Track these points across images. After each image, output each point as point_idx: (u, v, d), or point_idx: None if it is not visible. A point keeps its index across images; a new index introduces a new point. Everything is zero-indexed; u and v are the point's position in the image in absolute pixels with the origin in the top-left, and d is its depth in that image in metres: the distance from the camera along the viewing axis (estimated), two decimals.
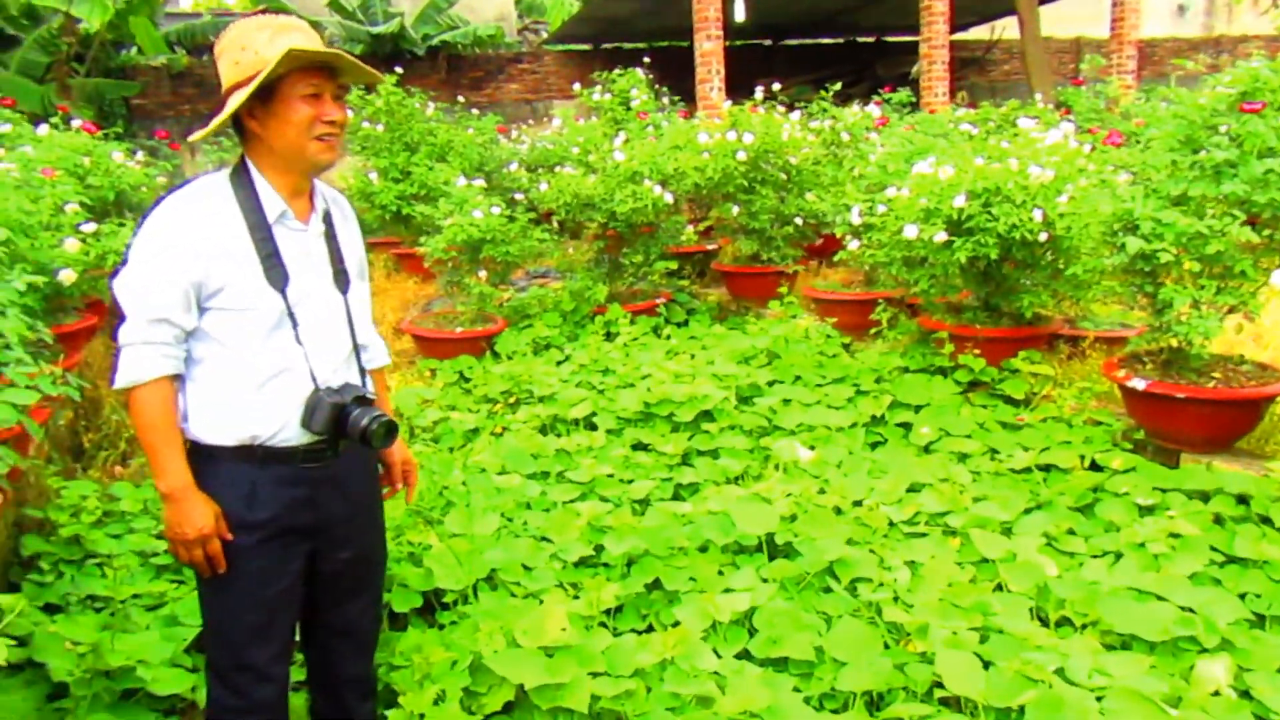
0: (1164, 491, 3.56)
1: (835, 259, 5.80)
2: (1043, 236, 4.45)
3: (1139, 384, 3.84)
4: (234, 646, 2.02)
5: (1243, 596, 2.94)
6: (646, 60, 10.38)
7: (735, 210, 7.02)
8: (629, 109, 8.82)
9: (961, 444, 4.23)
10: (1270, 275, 3.60)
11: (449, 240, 6.20)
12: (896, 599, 3.01)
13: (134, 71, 12.07)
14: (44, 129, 5.79)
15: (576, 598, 3.08)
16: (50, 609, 2.89)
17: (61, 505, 3.43)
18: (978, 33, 15.32)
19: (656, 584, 3.19)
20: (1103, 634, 2.81)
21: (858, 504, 3.72)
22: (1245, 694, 2.51)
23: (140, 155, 7.15)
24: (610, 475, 4.12)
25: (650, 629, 3.02)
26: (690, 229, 7.47)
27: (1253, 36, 16.89)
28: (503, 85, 13.83)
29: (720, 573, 3.26)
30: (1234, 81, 3.82)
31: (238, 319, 1.91)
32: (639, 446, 4.53)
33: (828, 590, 3.13)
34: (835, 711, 2.61)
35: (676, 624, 2.91)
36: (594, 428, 4.76)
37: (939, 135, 6.70)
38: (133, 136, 10.43)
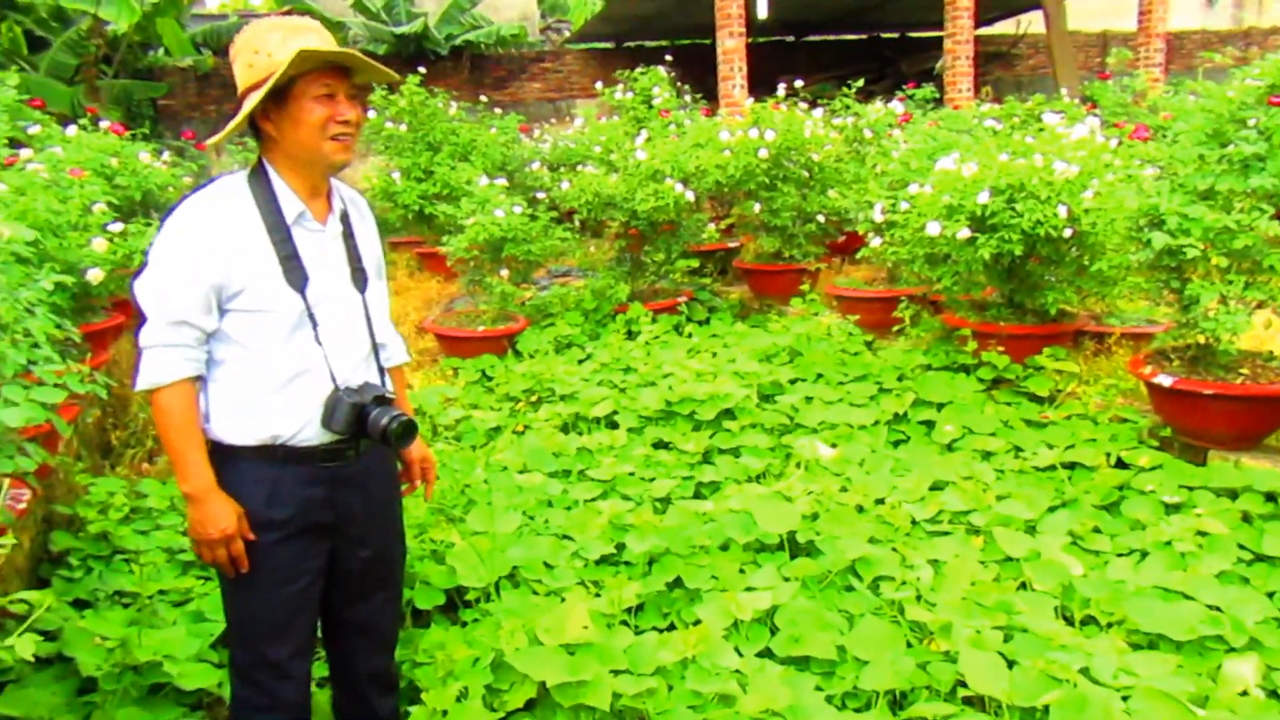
0: (1191, 489, 3.52)
1: (858, 256, 5.78)
2: (1067, 232, 4.41)
3: (1165, 380, 3.80)
4: (256, 644, 2.04)
5: (1271, 595, 2.91)
6: (669, 58, 10.37)
7: (757, 208, 7.00)
8: (651, 107, 8.82)
9: (985, 442, 4.20)
10: None
11: (471, 239, 6.23)
12: (919, 598, 3.00)
13: (161, 73, 12.19)
14: (72, 130, 5.86)
15: (598, 596, 3.09)
16: (79, 604, 2.93)
17: (90, 502, 3.48)
18: (1003, 27, 15.18)
19: (678, 582, 3.19)
20: (1128, 633, 2.79)
21: (880, 502, 3.70)
22: (1273, 694, 2.49)
23: (167, 156, 7.22)
24: (632, 473, 4.12)
25: (672, 627, 3.02)
26: (712, 227, 7.46)
27: None
28: (525, 84, 13.86)
29: (742, 571, 3.25)
30: (1263, 74, 3.77)
31: (258, 320, 1.92)
32: (660, 445, 4.53)
33: (850, 589, 3.12)
34: (858, 710, 2.60)
35: (698, 622, 2.90)
36: (615, 426, 4.76)
37: (963, 131, 6.66)
38: (159, 137, 10.54)
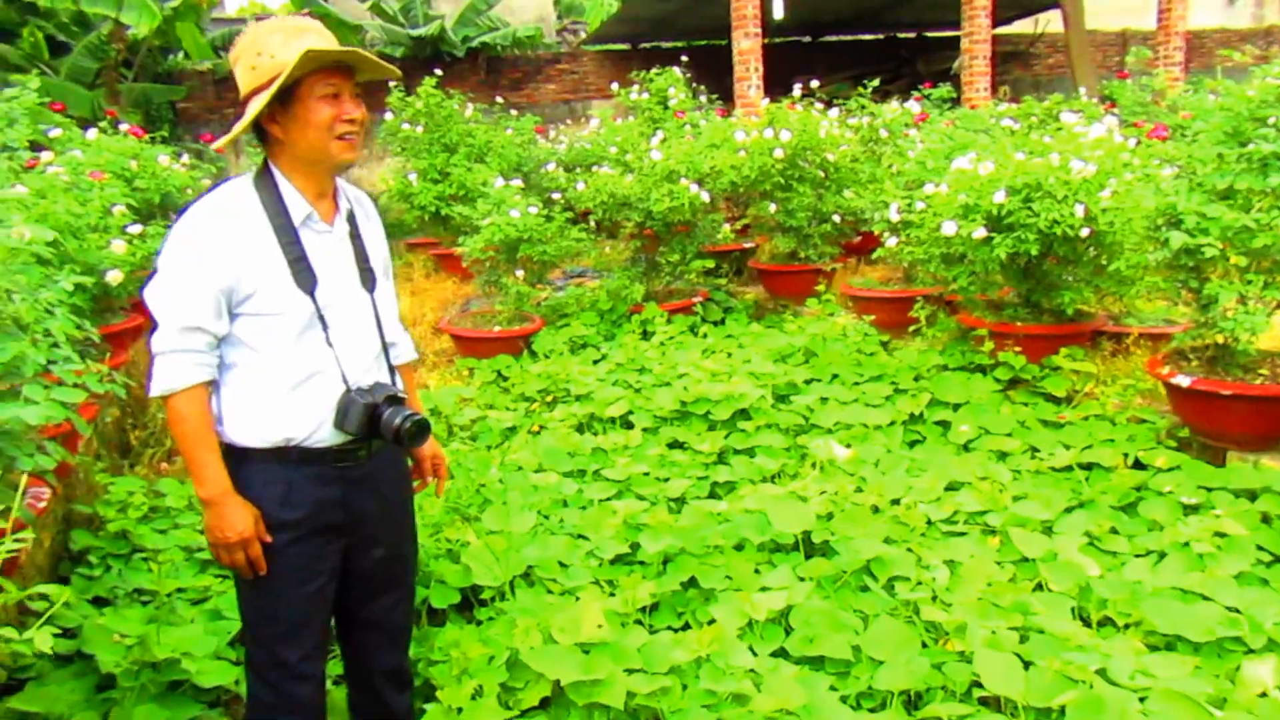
0: (1209, 490, 3.50)
1: (873, 256, 5.76)
2: (1084, 232, 4.39)
3: (1184, 381, 3.77)
4: (271, 644, 2.05)
5: None
6: (684, 59, 10.37)
7: (772, 208, 6.99)
8: (666, 108, 8.83)
9: (1001, 442, 4.18)
10: None
11: (487, 240, 6.25)
12: (935, 598, 2.98)
13: (180, 76, 12.28)
14: (93, 133, 5.91)
15: (613, 595, 3.09)
16: (99, 602, 2.97)
17: (109, 501, 3.51)
18: (1021, 26, 15.10)
19: (692, 582, 3.19)
20: (1146, 634, 2.77)
21: (895, 502, 3.69)
22: None
23: (186, 158, 7.28)
24: (646, 473, 4.12)
25: (686, 627, 3.02)
26: (727, 227, 7.45)
27: None
28: (541, 86, 13.88)
29: (756, 571, 3.25)
30: None
31: (269, 323, 1.93)
32: (675, 445, 4.53)
33: (865, 589, 3.11)
34: (872, 710, 2.59)
35: (712, 622, 2.90)
36: (630, 426, 4.77)
37: (980, 131, 6.63)
38: (178, 140, 10.62)
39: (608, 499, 3.93)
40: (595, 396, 5.13)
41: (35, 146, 5.02)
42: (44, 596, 1.91)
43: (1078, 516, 3.50)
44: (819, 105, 7.28)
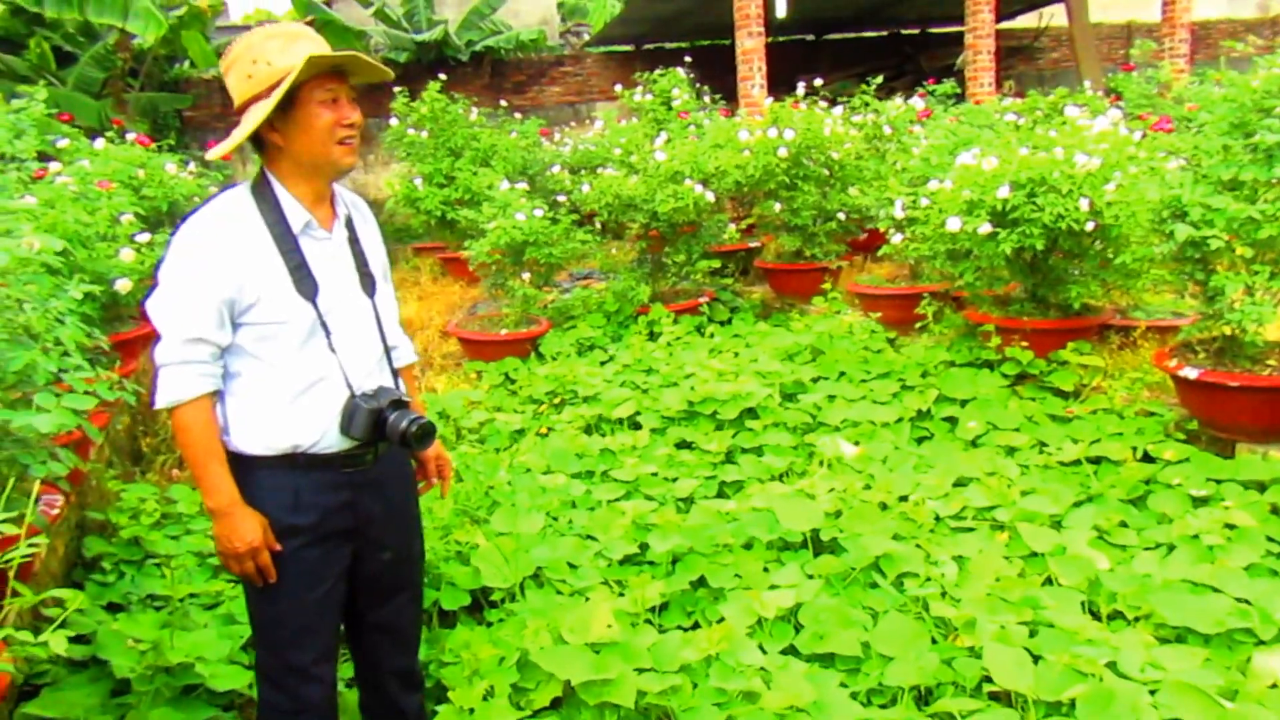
0: (1219, 482, 3.50)
1: (879, 254, 5.77)
2: (1090, 226, 4.39)
3: (1191, 373, 3.77)
4: (281, 649, 2.05)
5: None
6: (688, 60, 10.38)
7: (777, 207, 7.00)
8: (670, 109, 8.84)
9: (1009, 437, 4.18)
10: None
11: (493, 243, 6.27)
12: (944, 594, 2.99)
13: (186, 85, 12.35)
14: (100, 143, 5.94)
15: (622, 595, 3.10)
16: (112, 608, 2.98)
17: (121, 508, 3.53)
18: (1025, 21, 15.07)
19: (701, 581, 3.20)
20: (1156, 627, 2.77)
21: (903, 499, 3.69)
22: None
23: (193, 166, 7.30)
24: (654, 474, 4.14)
25: (696, 626, 3.03)
26: (732, 227, 7.46)
27: None
28: (545, 88, 13.91)
29: (765, 569, 3.26)
30: None
31: (272, 332, 1.93)
32: (683, 445, 4.54)
33: (874, 586, 3.12)
34: (882, 707, 2.59)
35: (722, 620, 2.91)
36: (638, 427, 4.78)
37: (984, 126, 6.61)
38: (185, 148, 10.66)
39: (616, 500, 3.94)
40: (603, 398, 5.14)
41: (43, 157, 5.05)
42: (59, 602, 1.92)
43: (1086, 510, 3.50)
44: (823, 103, 7.28)
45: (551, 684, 2.56)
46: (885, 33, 15.48)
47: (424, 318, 7.70)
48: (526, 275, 6.47)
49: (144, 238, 4.60)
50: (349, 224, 2.11)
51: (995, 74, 10.57)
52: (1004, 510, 3.51)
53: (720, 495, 4.02)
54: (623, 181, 6.79)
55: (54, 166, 4.89)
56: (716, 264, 7.38)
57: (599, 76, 13.96)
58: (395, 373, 2.18)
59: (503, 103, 12.01)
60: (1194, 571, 2.97)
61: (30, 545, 1.82)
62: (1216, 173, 3.79)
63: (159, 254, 4.61)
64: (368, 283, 2.11)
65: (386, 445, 2.07)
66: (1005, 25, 14.00)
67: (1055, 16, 14.16)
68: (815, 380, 5.10)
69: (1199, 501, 3.44)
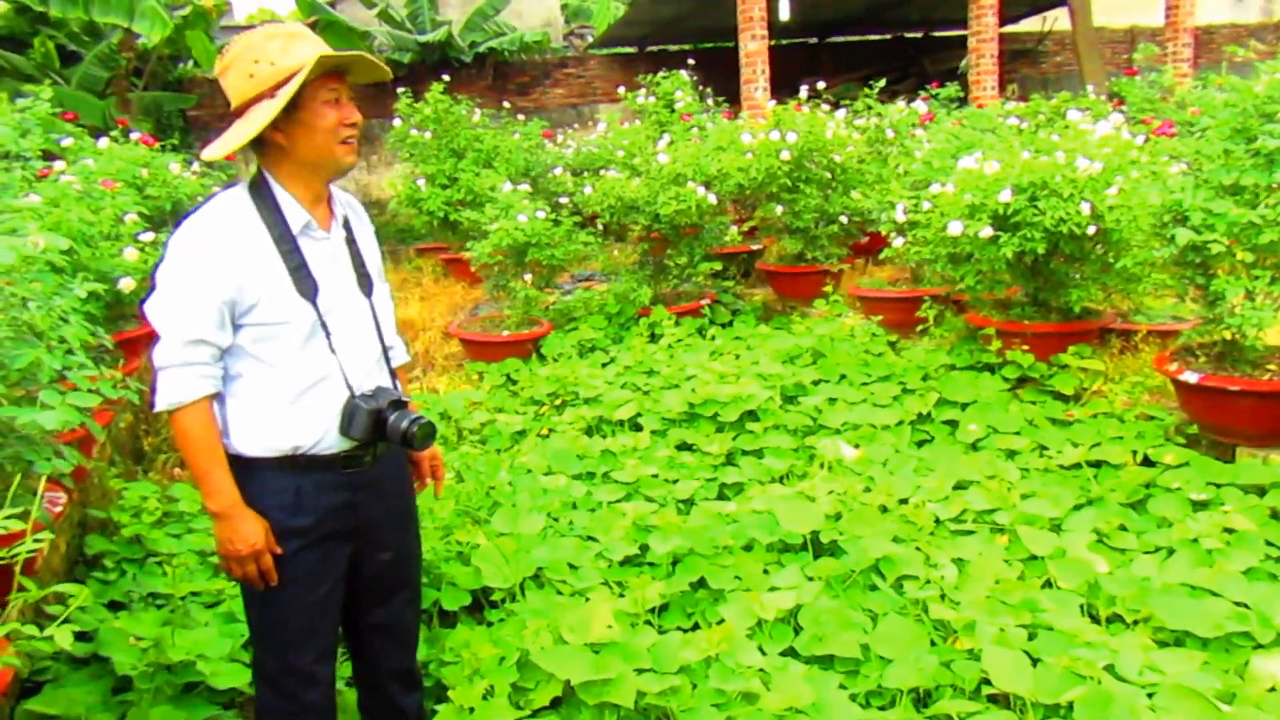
0: (1218, 486, 3.50)
1: (881, 257, 5.77)
2: (1091, 229, 4.39)
3: (1191, 377, 3.77)
4: (281, 650, 2.06)
5: None
6: (691, 62, 10.40)
7: (779, 210, 7.00)
8: (673, 111, 8.85)
9: (1009, 441, 4.19)
10: None
11: (495, 245, 6.28)
12: (943, 596, 2.99)
13: (190, 84, 12.38)
14: (104, 142, 5.96)
15: (622, 596, 3.11)
16: (114, 606, 2.99)
17: (123, 506, 3.55)
18: (1029, 24, 15.08)
19: (701, 583, 3.21)
20: (1154, 630, 2.77)
21: (904, 502, 3.70)
22: None
23: (196, 166, 7.33)
24: (655, 475, 4.14)
25: (696, 627, 3.03)
26: (734, 229, 7.47)
27: None
28: (549, 90, 13.93)
29: (765, 571, 3.26)
30: None
31: (272, 332, 1.92)
32: (684, 447, 4.55)
33: (873, 588, 3.12)
34: (882, 708, 2.60)
35: (721, 622, 2.92)
36: (639, 428, 4.79)
37: (986, 130, 6.62)
38: (189, 147, 10.69)
39: (617, 501, 3.95)
40: (604, 399, 5.15)
41: (48, 156, 5.07)
42: (60, 599, 1.93)
43: (1086, 514, 3.51)
44: (825, 106, 7.29)
45: (551, 684, 2.56)
46: (889, 36, 15.50)
47: (426, 318, 7.71)
48: (528, 276, 6.48)
49: (147, 237, 4.62)
50: (346, 224, 2.11)
51: (998, 77, 10.58)
52: (1004, 513, 3.52)
53: (721, 497, 4.03)
54: (625, 184, 6.81)
55: (58, 165, 4.91)
56: (718, 266, 7.39)
57: (602, 79, 13.98)
58: (393, 373, 2.18)
59: (506, 104, 12.03)
60: (1193, 575, 2.98)
61: (36, 540, 1.83)
62: (1218, 177, 3.79)
63: (161, 254, 4.62)
64: (365, 283, 2.11)
65: (385, 446, 2.08)
66: (1009, 29, 14.00)
67: (1059, 20, 14.18)
68: (816, 383, 5.11)
69: (1199, 505, 3.45)
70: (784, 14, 10.37)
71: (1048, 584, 3.08)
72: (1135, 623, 2.83)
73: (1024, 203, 4.48)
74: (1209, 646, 2.66)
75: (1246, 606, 2.77)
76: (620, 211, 6.85)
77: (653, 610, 3.04)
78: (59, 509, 2.91)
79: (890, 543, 3.26)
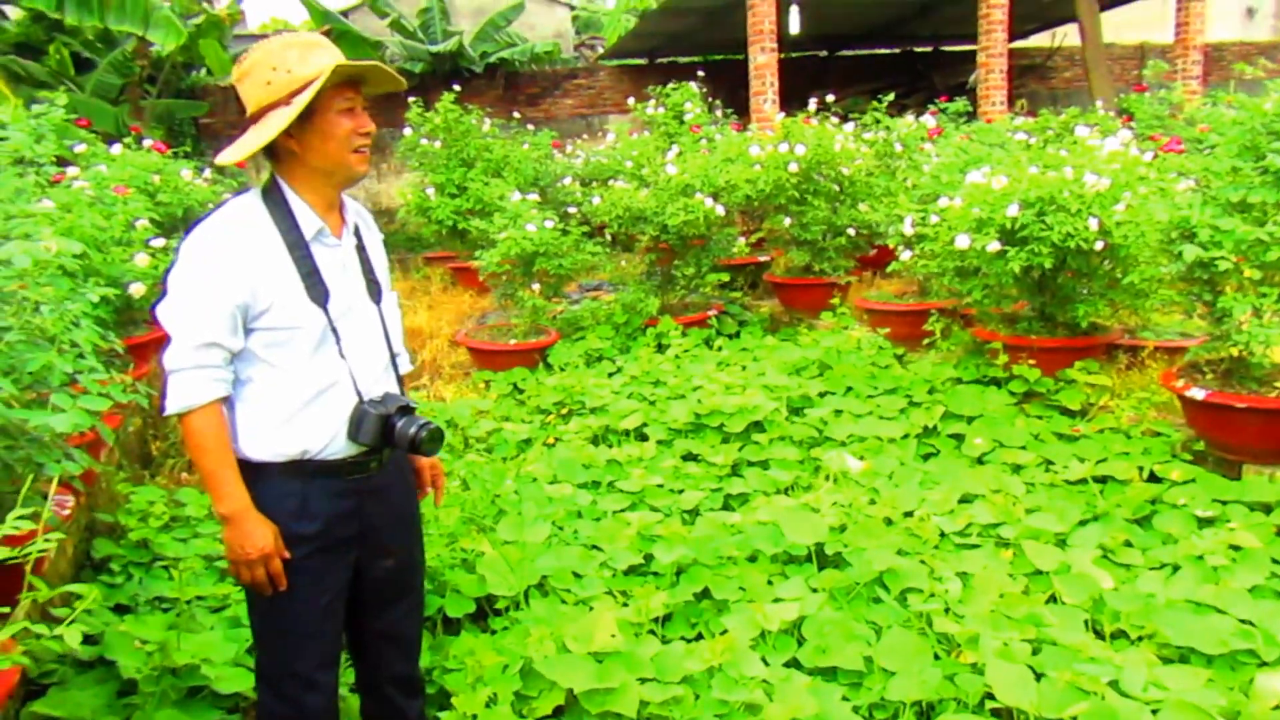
0: (1224, 503, 3.50)
1: (888, 270, 5.78)
2: (1099, 245, 4.40)
3: (1198, 394, 3.77)
4: (284, 655, 2.06)
5: None
6: (700, 74, 10.43)
7: (787, 222, 7.02)
8: (682, 123, 8.88)
9: (1015, 455, 4.19)
10: None
11: (503, 254, 6.30)
12: (947, 610, 2.99)
13: (203, 92, 12.46)
14: (117, 148, 6.01)
15: (626, 605, 3.11)
16: (120, 609, 3.01)
17: (131, 510, 3.56)
18: (1038, 40, 15.10)
19: (705, 593, 3.21)
20: (1159, 647, 2.77)
21: (909, 515, 3.70)
22: None
23: (208, 173, 7.38)
24: (660, 485, 4.15)
25: (699, 637, 3.03)
26: (742, 241, 7.49)
27: None
28: (559, 101, 13.99)
29: (769, 582, 3.26)
30: None
31: (284, 337, 1.94)
32: (689, 457, 4.55)
33: (877, 600, 3.12)
34: None
35: (725, 632, 2.92)
36: (645, 438, 4.80)
37: (995, 144, 6.64)
38: (201, 155, 10.76)
39: (622, 510, 3.96)
40: (610, 409, 5.16)
41: (61, 162, 5.11)
42: (67, 601, 1.95)
43: (1091, 529, 3.50)
44: (834, 119, 7.31)
45: (554, 692, 2.57)
46: (898, 50, 15.52)
47: (433, 327, 7.73)
48: (536, 286, 6.50)
49: (159, 243, 4.66)
50: (356, 232, 2.13)
51: (1008, 92, 10.59)
52: (1009, 527, 3.52)
53: (726, 508, 4.03)
54: (633, 194, 6.83)
55: (72, 171, 4.95)
56: (725, 277, 7.40)
57: (612, 90, 14.03)
58: (400, 379, 2.20)
59: (516, 114, 12.07)
60: (1198, 592, 2.97)
61: (46, 540, 1.84)
62: (1226, 194, 3.80)
63: (173, 259, 4.65)
64: (375, 290, 2.13)
65: (391, 452, 2.09)
66: (1018, 44, 14.03)
67: (1069, 36, 14.18)
68: (822, 395, 5.11)
69: (1204, 522, 3.44)
70: (794, 27, 10.41)
71: (1052, 599, 3.08)
72: (1140, 639, 2.83)
73: (1031, 217, 4.48)
74: (1214, 663, 2.66)
75: (1252, 624, 2.77)
76: (628, 222, 6.88)
77: (656, 620, 3.04)
78: (67, 512, 2.93)
79: (895, 555, 3.26)
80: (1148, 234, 4.22)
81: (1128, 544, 3.38)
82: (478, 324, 7.49)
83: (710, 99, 9.38)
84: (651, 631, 2.98)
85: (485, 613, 3.18)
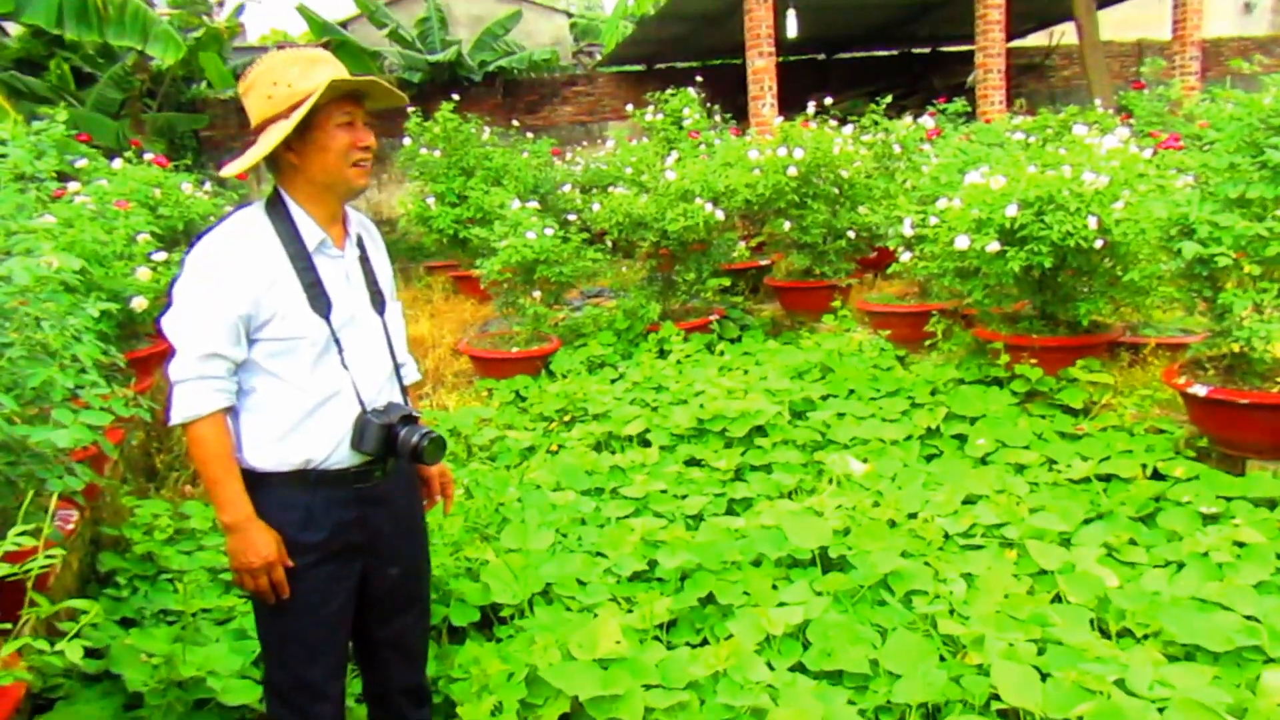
0: (1229, 500, 3.49)
1: (889, 271, 5.78)
2: (1098, 243, 4.40)
3: (1200, 390, 3.77)
4: (292, 665, 2.07)
5: None
6: (699, 79, 10.45)
7: (787, 225, 7.03)
8: (681, 128, 8.89)
9: (1018, 455, 4.18)
10: None
11: (504, 262, 6.31)
12: (952, 611, 2.99)
13: (203, 105, 12.49)
14: (118, 163, 6.03)
15: (630, 612, 3.11)
16: (126, 623, 3.01)
17: (135, 523, 3.57)
18: (1036, 39, 15.10)
19: (710, 598, 3.20)
20: (1164, 645, 2.76)
21: (912, 516, 3.69)
22: None
23: (208, 186, 7.40)
24: (664, 491, 4.15)
25: (704, 643, 3.03)
26: (742, 245, 7.49)
27: None
28: (558, 108, 14.01)
29: (774, 586, 3.26)
30: None
31: (287, 348, 1.96)
32: (692, 462, 4.55)
33: (882, 603, 3.12)
34: None
35: (730, 637, 2.91)
36: (648, 444, 4.80)
37: (994, 144, 6.64)
38: (201, 168, 10.77)
39: (625, 517, 3.96)
40: (613, 415, 5.16)
41: (62, 176, 5.12)
42: (72, 615, 1.95)
43: (1096, 528, 3.50)
44: (833, 122, 7.32)
45: (560, 700, 2.57)
46: (896, 51, 15.54)
47: (436, 335, 7.74)
48: (537, 293, 6.51)
49: (160, 256, 4.67)
50: (359, 243, 2.15)
51: (1006, 92, 10.59)
52: (1013, 528, 3.51)
53: (729, 512, 4.03)
54: (633, 200, 6.84)
55: (73, 186, 4.96)
56: (726, 282, 7.41)
57: (611, 96, 14.05)
58: (404, 389, 2.21)
59: (515, 122, 12.10)
60: (1203, 589, 2.97)
61: (48, 556, 1.84)
62: (1225, 190, 3.80)
63: (174, 272, 4.64)
64: (378, 300, 2.15)
65: (395, 461, 2.09)
66: (1016, 44, 14.03)
67: (1066, 34, 14.19)
68: (824, 398, 5.11)
69: (1208, 519, 3.44)
70: (791, 31, 10.42)
71: (1057, 598, 3.07)
72: (1145, 637, 2.82)
73: (1031, 217, 4.48)
74: (1219, 661, 2.65)
75: (1257, 620, 2.76)
76: (628, 228, 6.88)
77: (661, 626, 3.04)
78: (71, 526, 2.93)
79: (899, 557, 3.26)
80: (1147, 231, 4.21)
81: (1132, 542, 3.38)
82: (480, 332, 7.50)
83: (709, 104, 9.40)
84: (656, 637, 2.98)
85: (490, 621, 3.18)
